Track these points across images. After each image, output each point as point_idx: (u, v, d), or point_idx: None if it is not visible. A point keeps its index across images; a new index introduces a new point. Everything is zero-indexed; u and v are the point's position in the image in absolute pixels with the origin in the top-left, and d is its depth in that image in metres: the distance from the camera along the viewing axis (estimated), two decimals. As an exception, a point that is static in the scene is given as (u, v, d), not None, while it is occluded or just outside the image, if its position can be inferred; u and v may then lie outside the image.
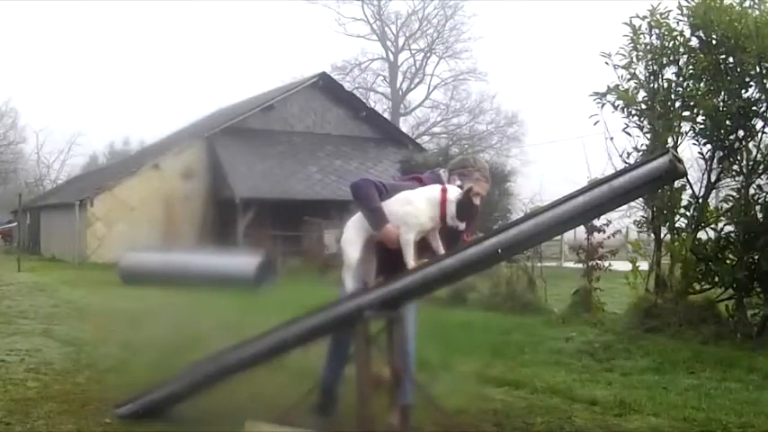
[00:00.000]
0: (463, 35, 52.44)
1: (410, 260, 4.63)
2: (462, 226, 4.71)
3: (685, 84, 10.08)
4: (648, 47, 10.22)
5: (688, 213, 10.13)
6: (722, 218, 9.99)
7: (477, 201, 4.97)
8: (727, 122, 9.77)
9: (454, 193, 4.69)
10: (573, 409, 6.15)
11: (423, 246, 4.75)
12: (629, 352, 8.72)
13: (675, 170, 3.96)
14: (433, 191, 4.73)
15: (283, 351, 5.07)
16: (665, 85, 10.20)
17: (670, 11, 10.10)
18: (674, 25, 10.11)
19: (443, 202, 4.64)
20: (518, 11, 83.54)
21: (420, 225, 4.66)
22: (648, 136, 10.24)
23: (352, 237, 4.87)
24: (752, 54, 9.31)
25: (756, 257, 9.48)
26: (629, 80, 10.33)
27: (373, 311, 4.64)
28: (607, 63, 10.41)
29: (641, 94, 10.29)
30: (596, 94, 10.41)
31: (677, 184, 10.16)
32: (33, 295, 15.08)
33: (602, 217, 11.84)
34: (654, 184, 4.41)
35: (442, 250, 4.73)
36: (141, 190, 26.87)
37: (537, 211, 4.25)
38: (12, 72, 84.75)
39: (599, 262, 11.94)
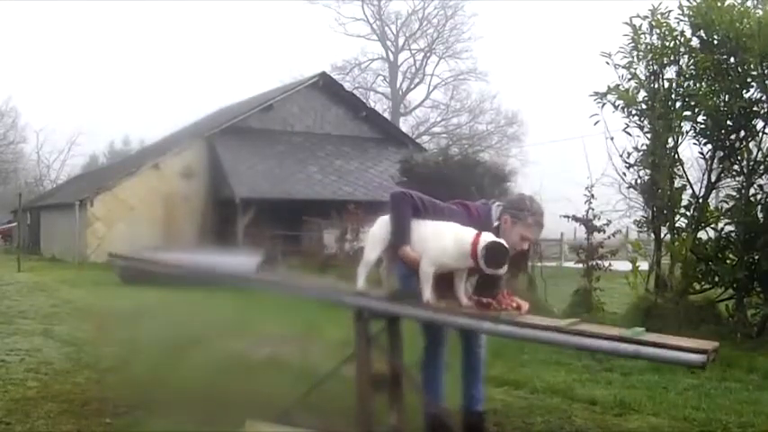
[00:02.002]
0: (463, 35, 52.56)
1: (427, 293, 4.51)
2: (501, 271, 4.50)
3: (686, 84, 10.08)
4: (649, 47, 10.22)
5: (688, 213, 10.14)
6: (722, 218, 9.98)
7: (525, 246, 4.85)
8: (728, 122, 9.77)
9: (486, 240, 4.44)
10: (573, 409, 6.15)
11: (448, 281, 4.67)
12: (629, 352, 8.70)
13: (704, 366, 4.01)
14: (467, 234, 4.50)
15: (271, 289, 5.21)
16: (666, 84, 10.21)
17: (671, 11, 10.12)
18: (674, 25, 10.12)
19: (474, 249, 4.43)
20: (518, 11, 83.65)
21: (442, 264, 4.53)
22: (649, 136, 10.24)
23: (376, 236, 4.80)
24: (754, 54, 9.31)
25: (756, 257, 9.48)
26: (629, 80, 10.35)
27: (372, 314, 4.65)
28: (608, 63, 10.43)
29: (642, 94, 10.30)
30: (597, 93, 10.42)
31: (678, 183, 10.18)
32: (33, 295, 15.07)
33: (603, 217, 11.87)
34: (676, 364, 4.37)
35: (464, 301, 4.59)
36: (141, 190, 26.88)
37: (561, 328, 4.16)
38: (12, 72, 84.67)
39: (599, 262, 11.90)
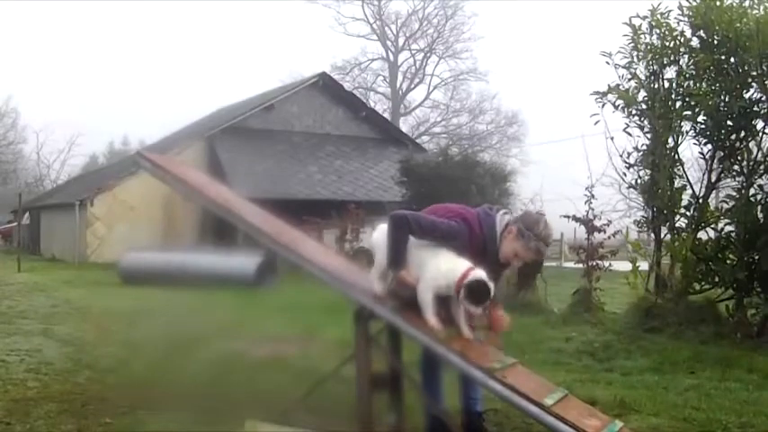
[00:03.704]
0: (463, 35, 52.63)
1: (431, 319, 4.50)
2: (478, 311, 4.50)
3: (686, 84, 10.08)
4: (649, 47, 10.22)
5: (688, 213, 10.14)
6: (722, 218, 9.98)
7: (515, 263, 4.85)
8: (728, 122, 9.77)
9: (473, 277, 4.44)
10: (573, 409, 6.13)
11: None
12: (629, 352, 8.72)
13: None
14: (459, 266, 4.50)
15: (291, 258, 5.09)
16: (666, 84, 10.20)
17: (670, 11, 10.12)
18: (674, 25, 10.12)
19: (459, 283, 4.45)
20: (518, 11, 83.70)
21: (437, 289, 4.53)
22: (649, 136, 10.24)
23: (380, 241, 4.77)
24: (753, 54, 9.31)
25: (756, 257, 9.47)
26: (629, 80, 10.34)
27: (371, 314, 4.65)
28: (608, 63, 10.43)
29: (642, 94, 10.30)
30: (597, 93, 10.41)
31: (678, 183, 10.18)
32: (33, 295, 15.06)
33: (603, 217, 11.88)
34: None
35: (465, 331, 4.59)
36: (141, 190, 26.75)
37: (546, 408, 4.19)
38: (12, 72, 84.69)
39: (599, 262, 11.92)
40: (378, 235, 4.85)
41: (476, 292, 4.43)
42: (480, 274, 4.46)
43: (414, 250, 4.65)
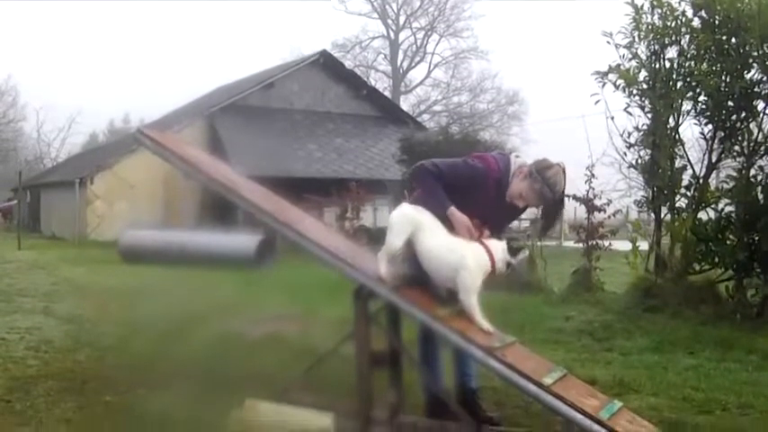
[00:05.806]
0: (464, 13, 52.47)
1: (482, 323, 4.50)
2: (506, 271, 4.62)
3: (687, 64, 10.04)
4: (650, 26, 10.17)
5: (689, 193, 10.13)
6: (723, 198, 9.97)
7: (519, 203, 4.92)
8: (729, 103, 9.75)
9: (500, 249, 4.57)
10: (572, 389, 6.15)
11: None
12: (628, 332, 8.73)
13: None
14: (479, 252, 4.54)
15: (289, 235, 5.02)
16: (667, 64, 10.16)
17: (672, -10, 10.05)
18: (675, 5, 10.07)
19: (492, 260, 4.53)
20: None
21: (477, 287, 4.51)
22: (650, 116, 10.21)
23: (400, 226, 4.63)
24: (754, 34, 9.27)
25: (757, 238, 9.47)
26: (630, 60, 10.29)
27: (371, 292, 4.64)
28: (609, 42, 10.36)
29: (643, 74, 10.26)
30: (598, 73, 10.36)
31: (678, 163, 10.17)
32: (33, 273, 15.08)
33: (603, 196, 11.88)
34: None
35: (484, 325, 4.52)
36: (141, 168, 26.64)
37: (545, 387, 4.20)
38: (12, 50, 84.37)
39: (599, 241, 11.93)
40: (396, 214, 4.73)
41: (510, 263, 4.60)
42: (500, 244, 4.62)
43: (418, 246, 4.59)
